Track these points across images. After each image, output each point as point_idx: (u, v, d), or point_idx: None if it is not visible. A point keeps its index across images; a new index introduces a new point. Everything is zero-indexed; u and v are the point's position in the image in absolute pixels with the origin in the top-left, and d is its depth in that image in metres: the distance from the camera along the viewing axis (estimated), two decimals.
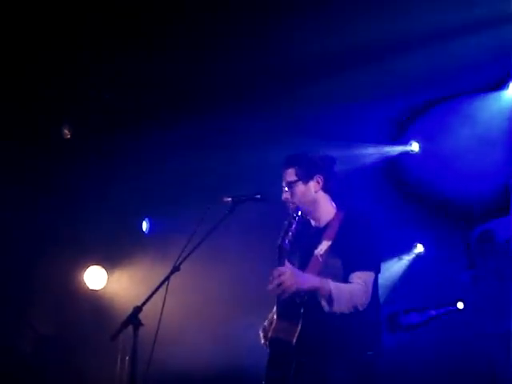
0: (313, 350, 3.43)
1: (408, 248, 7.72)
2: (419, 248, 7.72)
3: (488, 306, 6.79)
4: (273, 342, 3.55)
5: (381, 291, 7.33)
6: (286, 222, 3.46)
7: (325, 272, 3.45)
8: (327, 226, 3.65)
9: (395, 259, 7.64)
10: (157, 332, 3.32)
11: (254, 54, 6.04)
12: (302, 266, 3.57)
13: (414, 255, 7.71)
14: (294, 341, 3.38)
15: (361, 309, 3.40)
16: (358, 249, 3.47)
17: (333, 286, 3.36)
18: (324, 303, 3.37)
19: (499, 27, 5.65)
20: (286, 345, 3.41)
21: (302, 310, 3.43)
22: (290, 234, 3.41)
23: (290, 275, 3.27)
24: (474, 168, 6.50)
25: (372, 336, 3.54)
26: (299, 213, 3.50)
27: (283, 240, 3.39)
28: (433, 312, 7.36)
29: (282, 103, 6.35)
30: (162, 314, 3.35)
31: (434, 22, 5.60)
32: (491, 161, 6.45)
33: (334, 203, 3.72)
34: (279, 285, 3.27)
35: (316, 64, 6.07)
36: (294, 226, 3.45)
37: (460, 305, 7.24)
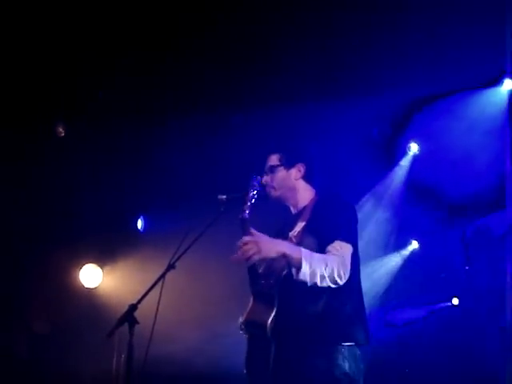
0: (289, 334, 3.33)
1: (403, 244, 7.72)
2: (414, 244, 7.73)
3: (483, 302, 6.81)
4: (248, 324, 3.52)
5: (376, 287, 7.40)
6: (250, 192, 3.44)
7: None
8: (303, 209, 3.66)
9: (390, 256, 7.65)
10: (152, 330, 3.32)
11: (253, 54, 6.06)
12: None
13: (408, 251, 7.72)
14: (269, 322, 3.32)
15: (340, 282, 3.24)
16: (331, 223, 3.40)
17: (304, 251, 3.23)
18: (296, 271, 3.21)
19: (493, 24, 5.67)
20: (260, 327, 3.37)
21: (276, 291, 3.36)
22: (249, 204, 3.39)
23: (253, 243, 3.18)
24: (469, 163, 6.52)
25: (350, 324, 3.38)
26: (259, 179, 3.50)
27: (243, 212, 3.37)
28: (428, 308, 7.37)
29: (281, 103, 6.36)
30: (157, 311, 3.34)
31: (429, 20, 5.62)
32: (486, 156, 6.47)
33: (313, 190, 3.72)
34: (244, 254, 3.20)
35: (314, 63, 6.09)
36: (252, 196, 3.41)
37: (455, 301, 7.26)
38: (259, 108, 6.33)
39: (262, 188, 3.61)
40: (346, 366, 3.34)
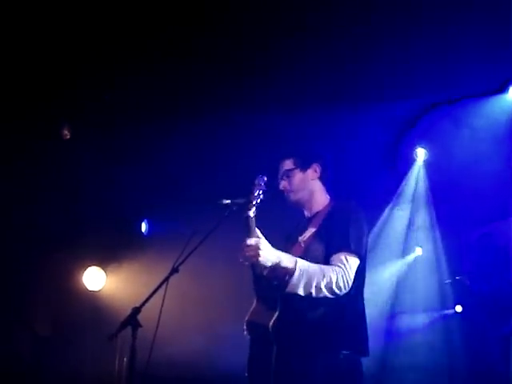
0: (290, 337, 3.32)
1: (407, 251, 7.71)
2: (418, 251, 7.72)
3: (487, 309, 6.79)
4: (249, 325, 3.51)
5: (379, 294, 7.39)
6: (255, 192, 3.40)
7: (305, 257, 3.39)
8: (316, 215, 3.66)
9: (394, 262, 7.64)
10: (155, 333, 3.32)
11: (254, 54, 6.05)
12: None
13: (412, 258, 7.71)
14: (271, 325, 3.31)
15: (339, 293, 3.27)
16: (340, 233, 3.41)
17: (300, 264, 3.26)
18: (292, 281, 3.25)
19: (499, 32, 5.67)
20: (262, 329, 3.35)
21: (279, 294, 3.35)
22: (254, 203, 3.37)
23: (255, 248, 3.23)
24: (474, 171, 6.51)
25: (351, 334, 3.39)
26: (264, 179, 3.45)
27: (248, 210, 3.35)
28: (431, 315, 7.36)
29: (282, 104, 6.35)
30: (160, 315, 3.34)
31: (435, 27, 5.62)
32: (491, 164, 6.46)
33: (328, 195, 3.73)
34: (243, 255, 3.26)
35: (317, 65, 6.08)
36: (257, 195, 3.38)
37: (458, 308, 7.24)
38: (264, 112, 6.33)
39: (269, 188, 3.59)
40: (347, 372, 3.34)
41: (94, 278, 7.19)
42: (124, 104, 6.58)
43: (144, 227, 7.53)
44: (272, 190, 3.64)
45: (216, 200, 3.57)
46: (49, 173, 6.69)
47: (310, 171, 3.69)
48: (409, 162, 7.28)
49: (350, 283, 3.32)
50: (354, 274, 3.34)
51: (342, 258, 3.34)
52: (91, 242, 7.04)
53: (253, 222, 3.36)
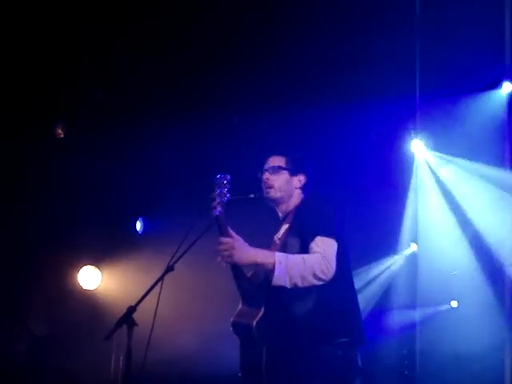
0: (277, 335, 3.31)
1: (402, 247, 7.72)
2: (413, 247, 7.73)
3: (481, 305, 6.81)
4: (234, 326, 3.52)
5: (375, 290, 7.39)
6: (217, 190, 3.43)
7: (283, 252, 3.40)
8: (289, 213, 3.68)
9: (389, 258, 7.65)
10: (151, 332, 3.31)
11: (254, 54, 6.06)
12: None
13: (407, 254, 7.72)
14: (254, 325, 3.30)
15: (323, 277, 3.24)
16: (311, 222, 3.42)
17: (279, 257, 3.26)
18: (274, 275, 3.24)
19: (492, 27, 5.70)
20: (246, 329, 3.35)
21: (263, 292, 3.36)
22: (218, 201, 3.39)
23: (229, 247, 3.26)
24: None
25: (343, 321, 3.37)
26: (228, 178, 3.47)
27: (214, 209, 3.37)
28: (426, 311, 7.37)
29: (280, 103, 6.36)
30: (156, 313, 3.34)
31: (429, 23, 5.64)
32: (486, 159, 6.48)
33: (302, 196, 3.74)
34: (220, 253, 3.28)
35: (316, 63, 6.10)
36: (219, 193, 3.41)
37: (454, 303, 7.25)
38: (261, 110, 6.34)
39: (230, 187, 3.57)
40: (342, 366, 3.33)
41: (90, 277, 7.18)
42: (118, 102, 6.59)
43: (139, 225, 7.52)
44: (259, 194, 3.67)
45: (212, 197, 3.56)
46: (43, 171, 6.67)
47: (295, 179, 3.71)
48: (407, 155, 7.26)
49: (333, 265, 3.29)
50: (334, 257, 3.32)
51: (319, 243, 3.33)
52: (86, 240, 7.02)
53: (223, 221, 3.38)
